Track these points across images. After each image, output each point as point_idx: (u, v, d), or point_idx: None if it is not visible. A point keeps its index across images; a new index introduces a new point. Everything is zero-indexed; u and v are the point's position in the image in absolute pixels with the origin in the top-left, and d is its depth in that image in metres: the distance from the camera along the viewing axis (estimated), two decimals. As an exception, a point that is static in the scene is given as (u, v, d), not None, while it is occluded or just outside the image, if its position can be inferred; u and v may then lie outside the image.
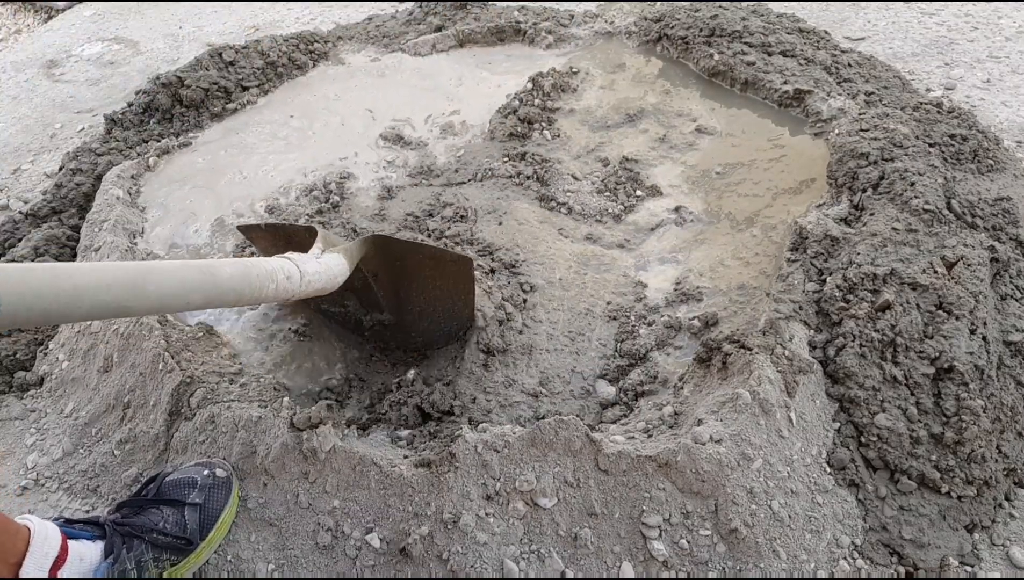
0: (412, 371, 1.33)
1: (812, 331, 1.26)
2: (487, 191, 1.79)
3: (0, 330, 0.74)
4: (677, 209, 1.67)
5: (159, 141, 2.07)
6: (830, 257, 1.38)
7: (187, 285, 0.90)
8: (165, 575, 1.05)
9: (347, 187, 1.84)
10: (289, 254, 1.15)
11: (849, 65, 2.08)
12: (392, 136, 2.02)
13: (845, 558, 1.06)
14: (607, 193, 1.75)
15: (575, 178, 1.81)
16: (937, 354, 1.17)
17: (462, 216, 1.69)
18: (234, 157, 1.98)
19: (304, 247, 1.24)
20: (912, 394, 1.16)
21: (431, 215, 1.72)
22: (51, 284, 0.73)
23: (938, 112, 1.77)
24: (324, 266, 1.18)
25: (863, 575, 1.05)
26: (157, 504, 1.09)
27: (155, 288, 0.85)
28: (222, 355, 1.38)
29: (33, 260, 1.69)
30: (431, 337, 1.42)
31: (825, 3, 2.64)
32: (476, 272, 1.39)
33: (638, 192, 1.74)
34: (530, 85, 2.13)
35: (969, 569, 1.06)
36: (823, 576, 1.04)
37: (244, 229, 1.49)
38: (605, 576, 1.03)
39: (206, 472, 1.13)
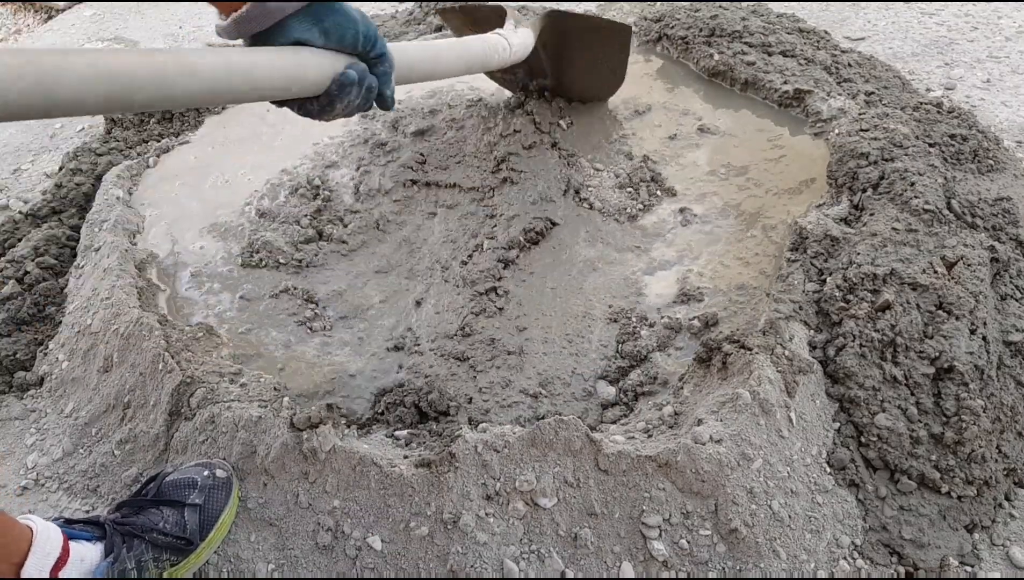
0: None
1: (812, 331, 1.26)
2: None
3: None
4: (682, 210, 1.67)
5: (159, 141, 2.07)
6: (830, 257, 1.38)
7: (457, 58, 1.29)
8: (165, 575, 1.05)
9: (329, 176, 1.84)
10: (498, 30, 1.48)
11: (849, 65, 2.08)
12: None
13: (845, 558, 1.06)
14: (629, 189, 1.74)
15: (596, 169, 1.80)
16: (937, 354, 1.17)
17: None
18: (233, 152, 1.98)
19: (489, 23, 1.58)
20: (912, 394, 1.16)
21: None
22: (403, 56, 1.14)
23: (938, 112, 1.77)
24: (521, 38, 1.50)
25: (863, 575, 1.05)
26: (157, 504, 1.09)
27: (444, 60, 1.28)
28: (222, 355, 1.38)
29: (33, 260, 1.69)
30: (585, 92, 1.83)
31: (825, 3, 2.64)
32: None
33: (658, 192, 1.72)
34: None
35: (969, 569, 1.06)
36: (823, 576, 1.04)
37: (441, 12, 1.89)
38: (605, 576, 1.03)
39: (206, 473, 1.13)
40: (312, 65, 0.91)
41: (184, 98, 0.79)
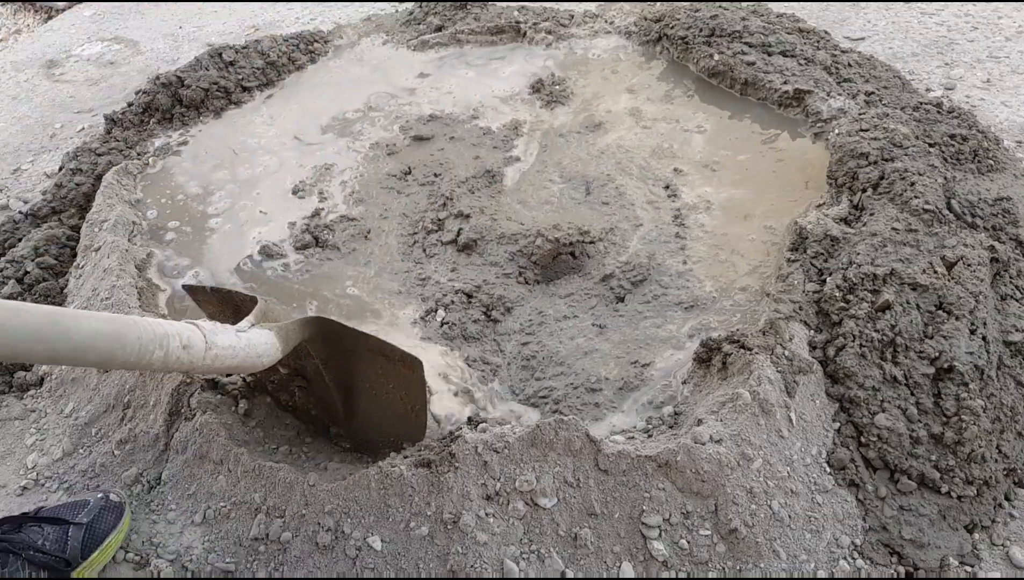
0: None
1: (812, 331, 1.26)
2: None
3: None
4: (683, 210, 1.67)
5: (159, 141, 2.07)
6: (830, 257, 1.38)
7: (26, 332, 0.75)
8: None
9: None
10: (199, 322, 1.00)
11: (849, 65, 2.08)
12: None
13: (845, 558, 1.06)
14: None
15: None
16: (937, 354, 1.17)
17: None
18: (231, 154, 1.98)
19: (245, 312, 1.13)
20: (912, 394, 1.16)
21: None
22: None
23: (938, 112, 1.77)
24: (245, 342, 1.03)
25: (863, 575, 1.05)
26: (40, 522, 1.09)
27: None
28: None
29: (33, 260, 1.69)
30: (385, 431, 1.26)
31: (825, 3, 2.64)
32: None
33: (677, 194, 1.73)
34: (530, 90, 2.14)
35: (969, 569, 1.06)
36: (823, 576, 1.04)
37: (189, 289, 1.32)
38: (605, 576, 1.03)
39: (100, 495, 1.15)
40: None
41: None
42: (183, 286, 1.39)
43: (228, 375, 1.30)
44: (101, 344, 0.81)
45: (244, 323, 1.08)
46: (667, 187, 1.76)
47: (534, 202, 1.75)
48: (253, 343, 1.04)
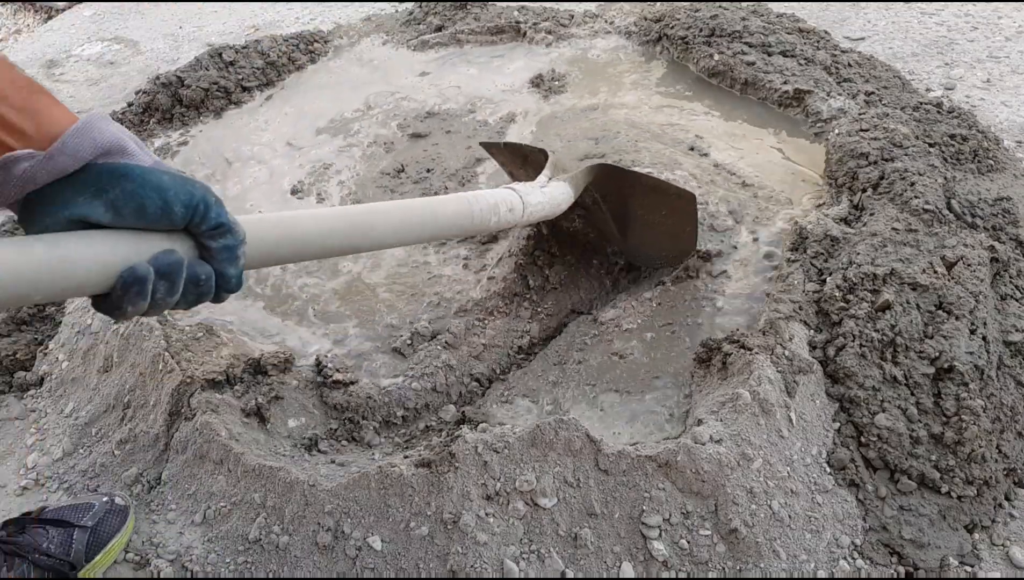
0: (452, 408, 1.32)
1: (812, 331, 1.26)
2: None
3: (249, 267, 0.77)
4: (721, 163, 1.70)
5: (159, 141, 2.07)
6: (830, 257, 1.38)
7: (411, 225, 0.98)
8: None
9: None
10: (515, 185, 1.24)
11: (849, 65, 2.08)
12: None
13: (845, 558, 1.06)
14: None
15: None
16: (937, 354, 1.17)
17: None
18: (233, 153, 1.98)
19: (536, 167, 1.37)
20: (912, 394, 1.16)
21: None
22: (285, 233, 0.81)
23: (938, 112, 1.77)
24: (548, 196, 1.26)
25: (863, 575, 1.05)
26: (44, 524, 1.09)
27: (380, 231, 0.93)
28: (222, 355, 1.38)
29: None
30: (651, 260, 1.53)
31: (825, 3, 2.64)
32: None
33: None
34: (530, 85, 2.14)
35: (969, 569, 1.06)
36: (823, 576, 1.04)
37: (485, 145, 1.64)
38: (605, 576, 1.03)
39: (104, 499, 1.14)
40: (82, 262, 0.61)
41: None
42: (480, 144, 1.67)
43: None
44: (458, 221, 1.07)
45: (542, 178, 1.32)
46: (692, 148, 1.80)
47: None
48: (554, 195, 1.28)
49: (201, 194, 0.67)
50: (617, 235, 1.50)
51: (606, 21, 2.49)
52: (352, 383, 1.33)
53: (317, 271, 1.62)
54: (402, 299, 1.53)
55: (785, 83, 1.95)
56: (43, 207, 0.63)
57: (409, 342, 1.41)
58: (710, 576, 1.01)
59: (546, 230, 1.59)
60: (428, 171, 1.86)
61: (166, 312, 1.50)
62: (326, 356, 1.38)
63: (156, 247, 0.66)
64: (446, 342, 1.38)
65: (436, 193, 1.78)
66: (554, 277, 1.53)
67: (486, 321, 1.44)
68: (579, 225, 1.56)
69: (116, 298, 0.65)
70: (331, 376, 1.33)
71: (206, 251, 0.70)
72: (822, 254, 1.39)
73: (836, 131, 1.70)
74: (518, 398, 1.32)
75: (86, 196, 0.63)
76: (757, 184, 1.67)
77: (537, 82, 2.17)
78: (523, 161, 1.52)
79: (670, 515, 1.04)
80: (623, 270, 1.56)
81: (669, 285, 1.45)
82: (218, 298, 0.74)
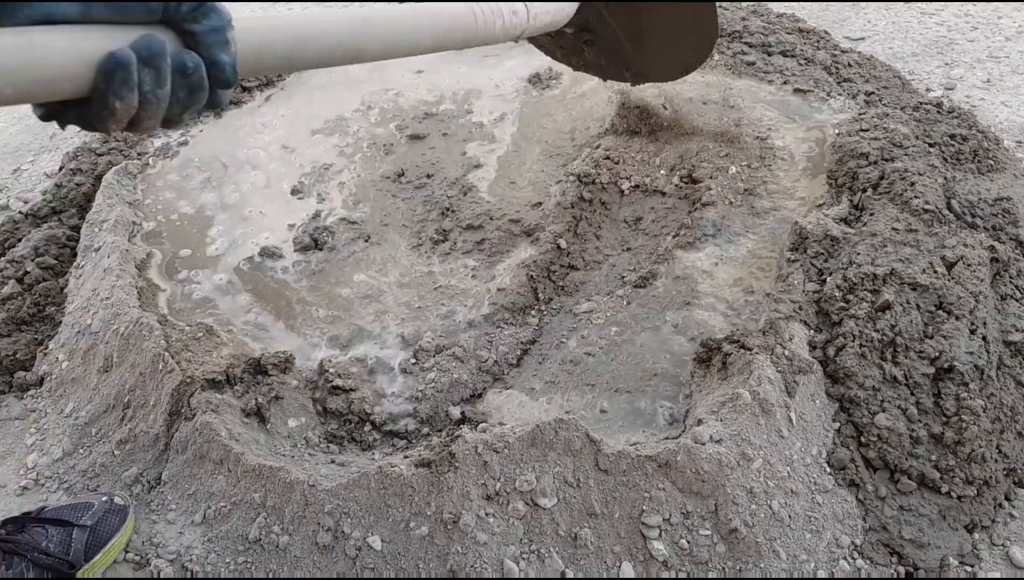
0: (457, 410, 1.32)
1: (812, 331, 1.26)
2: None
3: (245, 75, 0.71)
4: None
5: (159, 141, 2.07)
6: (830, 257, 1.38)
7: (414, 27, 0.90)
8: None
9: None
10: None
11: (849, 65, 2.08)
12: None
13: (845, 558, 1.06)
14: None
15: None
16: (937, 354, 1.17)
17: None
18: (233, 152, 1.98)
19: None
20: (912, 394, 1.16)
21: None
22: (288, 27, 0.75)
23: (938, 112, 1.77)
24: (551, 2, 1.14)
25: (863, 575, 1.05)
26: (43, 523, 1.09)
27: (381, 32, 0.86)
28: (222, 355, 1.38)
29: (33, 260, 1.69)
30: (675, 67, 1.41)
31: (825, 3, 2.64)
32: None
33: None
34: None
35: (969, 569, 1.06)
36: (823, 576, 1.04)
37: None
38: (605, 576, 1.03)
39: (104, 498, 1.14)
40: (55, 49, 0.55)
41: None
42: None
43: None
44: (463, 22, 0.97)
45: None
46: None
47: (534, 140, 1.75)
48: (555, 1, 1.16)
49: None
50: (630, 50, 1.37)
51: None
52: (353, 390, 1.33)
53: (319, 274, 1.62)
54: (408, 310, 1.54)
55: (785, 83, 1.95)
56: (3, 6, 0.56)
57: (414, 361, 1.40)
58: (710, 576, 1.01)
59: (565, 244, 1.55)
60: (428, 176, 1.86)
61: (166, 311, 1.50)
62: (329, 361, 1.38)
63: (134, 34, 0.60)
64: (455, 355, 1.38)
65: (438, 202, 1.77)
66: (569, 285, 1.53)
67: (494, 335, 1.44)
68: (589, 55, 1.44)
69: (99, 94, 0.58)
70: (331, 381, 1.33)
71: (191, 39, 0.63)
72: (822, 254, 1.39)
73: (836, 131, 1.70)
74: (509, 390, 1.32)
75: None
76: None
77: (534, 81, 2.17)
78: None
79: (670, 515, 1.04)
80: (636, 285, 1.51)
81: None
82: (214, 97, 0.67)
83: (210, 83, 0.65)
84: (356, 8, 0.86)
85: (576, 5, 1.21)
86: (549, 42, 1.37)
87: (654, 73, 1.44)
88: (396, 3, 0.92)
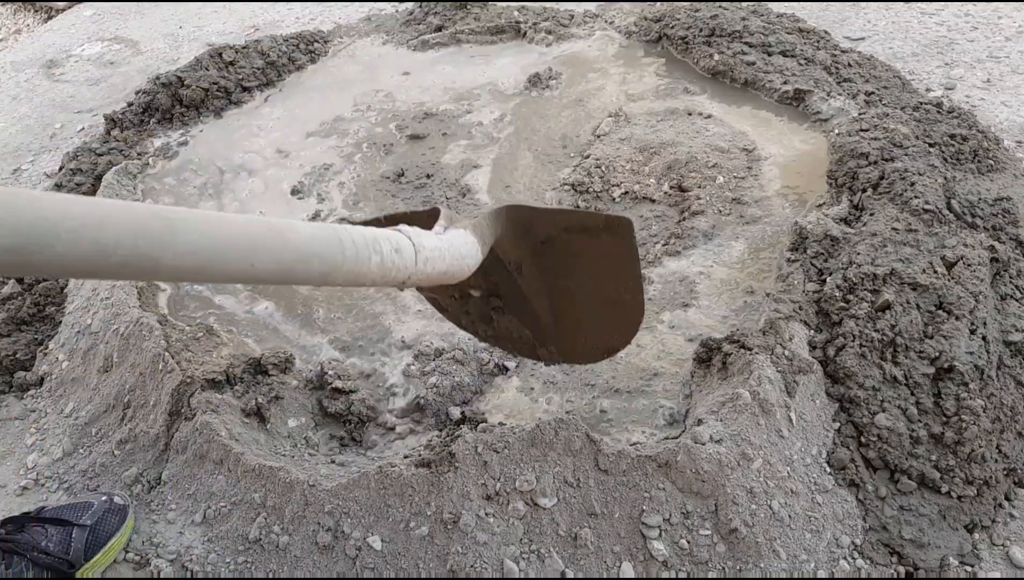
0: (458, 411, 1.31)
1: (812, 331, 1.26)
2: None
3: None
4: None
5: (159, 141, 2.07)
6: (830, 257, 1.38)
7: (249, 243, 0.64)
8: None
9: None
10: (399, 226, 0.87)
11: (849, 65, 2.08)
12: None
13: (845, 558, 1.06)
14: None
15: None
16: (937, 354, 1.17)
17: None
18: (234, 153, 1.98)
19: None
20: (912, 394, 1.16)
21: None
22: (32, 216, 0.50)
23: (938, 112, 1.77)
24: (447, 242, 0.90)
25: (863, 575, 1.05)
26: (43, 523, 1.09)
27: (191, 242, 0.59)
28: (222, 355, 1.38)
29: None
30: (593, 347, 1.12)
31: (825, 3, 2.64)
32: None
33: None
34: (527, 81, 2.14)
35: (969, 569, 1.06)
36: (823, 576, 1.04)
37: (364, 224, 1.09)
38: (605, 576, 1.03)
39: (104, 498, 1.15)
40: None
41: None
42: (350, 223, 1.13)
43: (421, 289, 1.12)
44: (322, 249, 0.71)
45: (438, 227, 0.94)
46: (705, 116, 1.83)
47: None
48: (455, 243, 0.92)
49: None
50: (546, 324, 1.12)
51: (606, 21, 2.49)
52: (352, 392, 1.33)
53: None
54: (408, 313, 1.54)
55: (785, 83, 1.95)
56: None
57: (415, 364, 1.39)
58: (710, 576, 1.01)
59: None
60: (428, 176, 1.86)
61: (166, 311, 1.50)
62: (329, 363, 1.38)
63: None
64: (455, 358, 1.37)
65: (437, 200, 1.76)
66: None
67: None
68: (500, 325, 1.16)
69: None
70: (331, 383, 1.33)
71: None
72: (822, 254, 1.39)
73: (836, 131, 1.70)
74: (509, 391, 1.32)
75: None
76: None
77: (534, 81, 2.17)
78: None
79: (670, 515, 1.04)
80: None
81: None
82: None
83: None
84: (165, 209, 0.61)
85: (477, 259, 0.95)
86: (452, 304, 1.14)
87: (571, 354, 1.17)
88: (224, 216, 0.66)
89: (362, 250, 0.75)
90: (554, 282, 1.07)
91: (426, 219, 0.97)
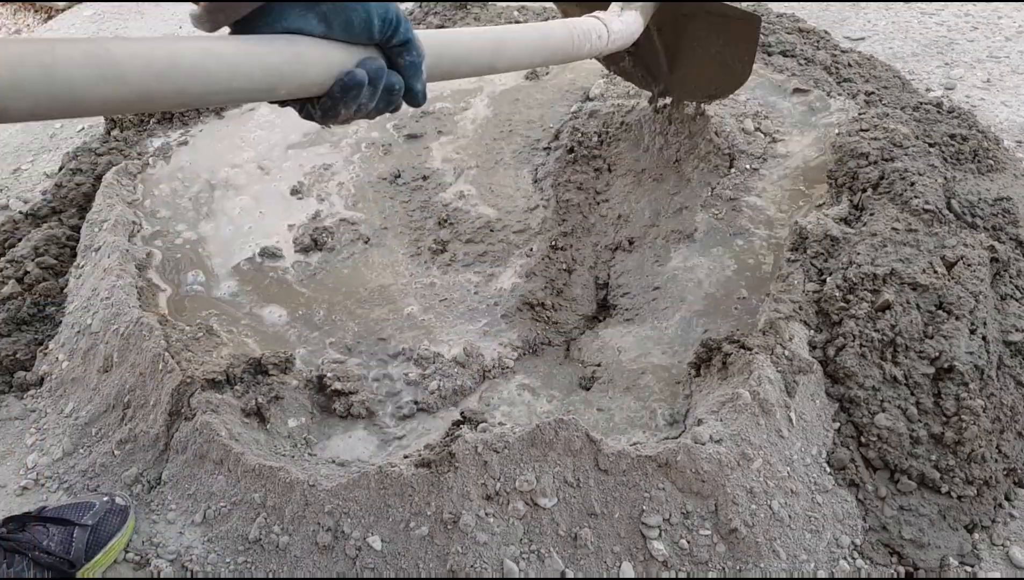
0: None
1: (812, 331, 1.26)
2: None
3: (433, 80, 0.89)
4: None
5: (159, 141, 2.07)
6: (830, 257, 1.38)
7: (532, 47, 1.09)
8: None
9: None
10: (597, 13, 1.30)
11: (849, 65, 2.08)
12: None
13: (845, 558, 1.06)
14: None
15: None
16: (937, 354, 1.17)
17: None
18: (231, 153, 1.98)
19: (592, 3, 1.39)
20: (912, 394, 1.16)
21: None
22: (450, 45, 0.93)
23: (938, 112, 1.77)
24: (625, 24, 1.32)
25: (863, 575, 1.05)
26: (44, 522, 1.09)
27: (510, 52, 1.03)
28: (222, 355, 1.38)
29: (33, 260, 1.69)
30: (703, 87, 1.57)
31: (825, 3, 2.64)
32: None
33: None
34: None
35: (969, 569, 1.06)
36: (823, 576, 1.04)
37: None
38: (605, 576, 1.03)
39: (105, 498, 1.15)
40: (309, 60, 0.73)
41: (161, 98, 0.63)
42: None
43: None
44: (563, 45, 1.16)
45: (616, 7, 1.37)
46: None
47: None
48: (629, 23, 1.34)
49: (395, 11, 0.78)
50: (665, 69, 1.56)
51: (606, 21, 2.50)
52: (353, 393, 1.33)
53: (319, 275, 1.62)
54: (407, 317, 1.54)
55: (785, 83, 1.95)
56: (263, 17, 0.73)
57: (416, 366, 1.39)
58: (710, 576, 1.01)
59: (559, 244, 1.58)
60: (424, 178, 1.86)
61: (166, 311, 1.50)
62: (329, 364, 1.38)
63: (360, 55, 0.77)
64: (456, 360, 1.38)
65: (438, 217, 1.76)
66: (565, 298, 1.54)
67: (494, 335, 1.43)
68: (627, 64, 1.63)
69: (333, 100, 0.76)
70: (330, 386, 1.33)
71: (396, 64, 0.80)
72: (822, 254, 1.39)
73: (836, 131, 1.69)
74: (509, 391, 1.32)
75: (301, 9, 0.73)
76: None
77: (531, 78, 2.18)
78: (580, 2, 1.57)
79: (670, 515, 1.04)
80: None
81: None
82: (396, 108, 0.84)
83: (403, 99, 0.83)
84: (491, 30, 1.03)
85: (640, 31, 1.38)
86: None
87: (679, 92, 1.62)
88: (516, 26, 1.09)
89: (580, 41, 1.19)
90: (682, 42, 1.49)
91: None
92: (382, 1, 0.77)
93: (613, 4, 1.38)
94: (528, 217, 1.68)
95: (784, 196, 1.61)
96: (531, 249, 1.60)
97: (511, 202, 1.74)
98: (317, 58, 0.73)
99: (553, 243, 1.58)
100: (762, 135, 1.74)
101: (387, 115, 2.09)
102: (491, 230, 1.67)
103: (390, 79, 0.79)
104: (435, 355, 1.40)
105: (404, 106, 0.85)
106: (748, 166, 1.66)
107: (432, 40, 0.89)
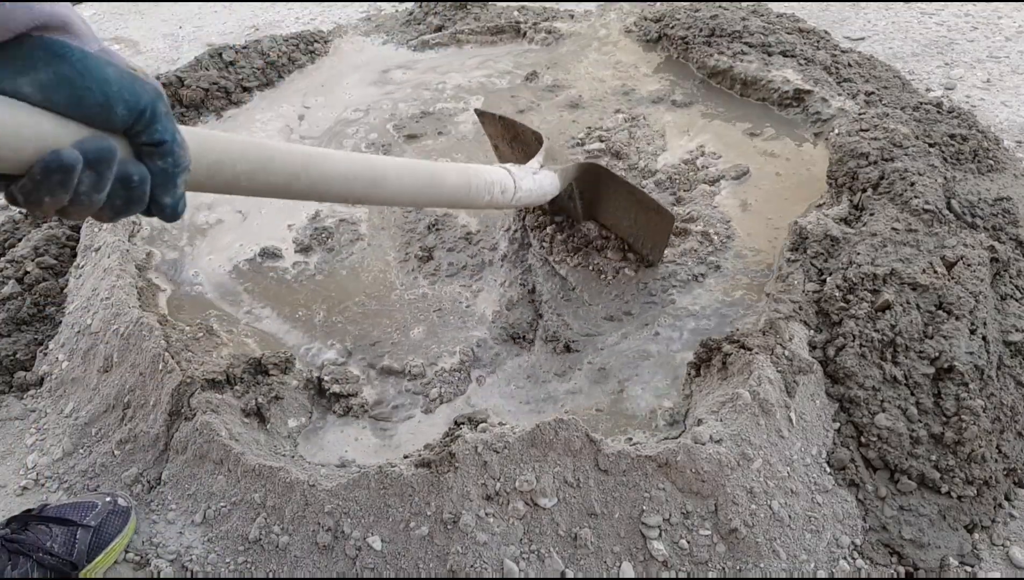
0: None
1: (812, 331, 1.26)
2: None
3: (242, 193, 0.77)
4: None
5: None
6: (830, 257, 1.38)
7: (418, 186, 1.01)
8: None
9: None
10: (508, 167, 1.27)
11: (849, 65, 2.08)
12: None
13: (845, 558, 1.06)
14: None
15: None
16: (937, 354, 1.17)
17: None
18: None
19: (525, 147, 1.42)
20: (912, 394, 1.16)
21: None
22: (304, 167, 0.82)
23: (938, 112, 1.77)
24: (538, 184, 1.31)
25: (863, 575, 1.05)
26: (47, 522, 1.09)
27: (393, 184, 0.95)
28: (222, 355, 1.38)
29: (33, 260, 1.69)
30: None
31: (825, 3, 2.64)
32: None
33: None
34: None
35: (969, 569, 1.06)
36: (823, 576, 1.04)
37: (480, 113, 1.66)
38: (605, 576, 1.03)
39: (107, 499, 1.15)
40: (4, 128, 0.54)
41: None
42: (475, 111, 1.69)
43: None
44: (456, 193, 1.10)
45: (534, 163, 1.36)
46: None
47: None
48: (543, 184, 1.32)
49: (150, 99, 0.58)
50: (581, 217, 1.55)
51: (606, 21, 2.49)
52: (353, 395, 1.32)
53: (319, 276, 1.62)
54: (405, 320, 1.54)
55: (785, 83, 1.95)
56: None
57: (416, 367, 1.39)
58: (710, 576, 1.01)
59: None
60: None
61: (166, 311, 1.50)
62: (328, 367, 1.38)
63: (85, 132, 0.57)
64: (455, 365, 1.37)
65: (428, 224, 1.75)
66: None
67: (493, 335, 1.43)
68: (546, 207, 1.61)
69: (32, 185, 0.55)
70: (329, 388, 1.32)
71: (145, 162, 0.61)
72: (822, 254, 1.39)
73: (836, 131, 1.69)
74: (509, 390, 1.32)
75: (12, 70, 0.54)
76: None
77: (531, 78, 2.18)
78: (512, 138, 1.56)
79: (670, 515, 1.04)
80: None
81: None
82: (149, 213, 0.64)
83: (149, 201, 0.63)
84: (350, 155, 0.91)
85: (555, 194, 1.38)
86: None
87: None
88: (406, 161, 1.01)
89: (479, 192, 1.15)
90: (599, 209, 1.50)
91: (531, 137, 1.47)
92: (146, 84, 0.59)
93: (534, 160, 1.37)
94: (500, 238, 1.66)
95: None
96: (504, 281, 1.56)
97: (490, 216, 1.71)
98: (16, 128, 0.55)
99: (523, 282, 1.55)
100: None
101: (387, 115, 2.11)
102: (469, 243, 1.65)
103: (127, 168, 0.59)
104: (435, 358, 1.40)
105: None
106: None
107: (234, 148, 0.73)
